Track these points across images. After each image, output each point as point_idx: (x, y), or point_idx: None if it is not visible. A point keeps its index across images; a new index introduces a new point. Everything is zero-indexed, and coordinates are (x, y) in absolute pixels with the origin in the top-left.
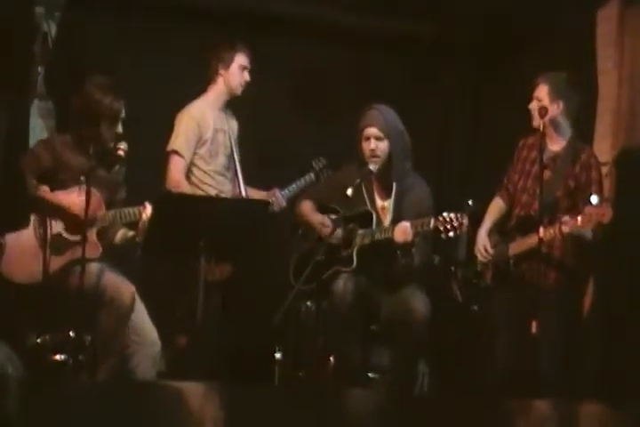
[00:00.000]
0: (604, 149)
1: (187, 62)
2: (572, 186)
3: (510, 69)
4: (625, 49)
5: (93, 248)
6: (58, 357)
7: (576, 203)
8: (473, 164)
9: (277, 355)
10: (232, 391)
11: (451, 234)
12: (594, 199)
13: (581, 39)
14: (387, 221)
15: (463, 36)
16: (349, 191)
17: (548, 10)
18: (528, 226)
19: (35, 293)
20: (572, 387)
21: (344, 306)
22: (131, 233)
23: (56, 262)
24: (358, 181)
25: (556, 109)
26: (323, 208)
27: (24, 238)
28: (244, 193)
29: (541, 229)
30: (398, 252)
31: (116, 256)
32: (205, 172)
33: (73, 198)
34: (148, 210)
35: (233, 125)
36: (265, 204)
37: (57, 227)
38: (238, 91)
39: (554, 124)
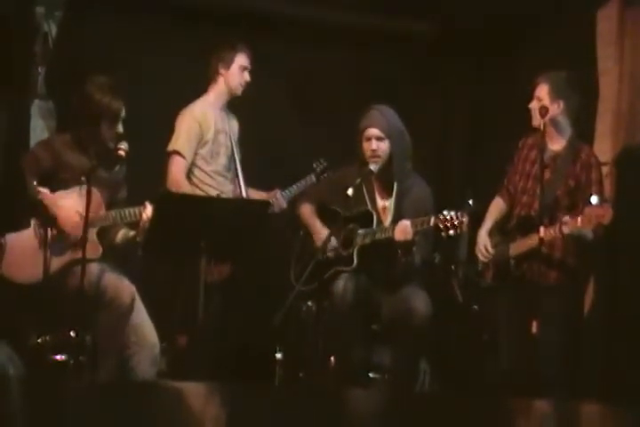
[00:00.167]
0: (604, 148)
1: (187, 62)
2: (572, 185)
3: (510, 69)
4: (625, 48)
5: (94, 248)
6: (58, 357)
7: (576, 202)
8: (473, 164)
9: (278, 355)
10: (232, 391)
11: (451, 232)
12: (594, 200)
13: (581, 39)
14: (387, 221)
15: (463, 36)
16: (350, 191)
17: (548, 9)
18: (528, 226)
19: (35, 293)
20: (572, 387)
21: (345, 306)
22: (131, 233)
23: (56, 262)
24: (359, 181)
25: (556, 109)
26: (323, 210)
27: (24, 239)
28: (244, 194)
29: (542, 229)
30: (399, 251)
31: (116, 256)
32: (206, 172)
33: (74, 198)
34: (148, 210)
35: (234, 126)
36: (265, 204)
37: (57, 227)
38: (239, 91)
39: (554, 123)
